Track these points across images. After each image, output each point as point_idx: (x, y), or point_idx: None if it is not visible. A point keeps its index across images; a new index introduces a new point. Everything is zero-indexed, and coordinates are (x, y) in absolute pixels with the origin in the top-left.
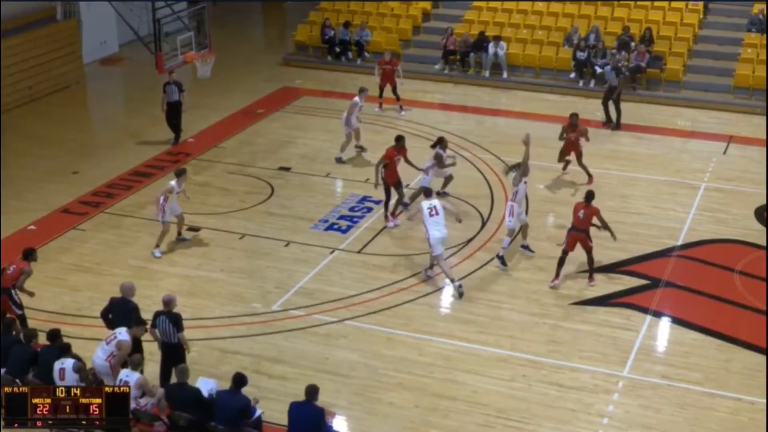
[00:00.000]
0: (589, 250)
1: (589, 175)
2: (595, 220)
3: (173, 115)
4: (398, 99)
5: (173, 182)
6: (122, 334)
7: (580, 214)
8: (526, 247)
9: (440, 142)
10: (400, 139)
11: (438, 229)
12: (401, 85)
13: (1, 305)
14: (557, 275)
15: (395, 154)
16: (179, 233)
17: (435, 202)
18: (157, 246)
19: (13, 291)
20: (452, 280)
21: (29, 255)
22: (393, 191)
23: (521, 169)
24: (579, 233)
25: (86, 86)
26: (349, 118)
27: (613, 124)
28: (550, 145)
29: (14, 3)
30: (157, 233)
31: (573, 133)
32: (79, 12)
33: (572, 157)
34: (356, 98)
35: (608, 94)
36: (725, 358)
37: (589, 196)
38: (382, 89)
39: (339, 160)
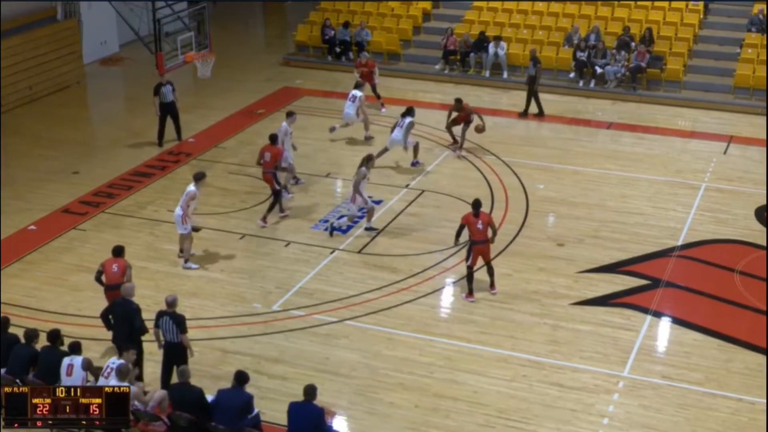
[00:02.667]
0: (489, 261)
1: (455, 141)
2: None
3: (170, 116)
4: (378, 98)
5: (192, 187)
6: (115, 363)
7: (479, 225)
8: (371, 229)
9: (410, 113)
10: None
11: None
12: (379, 85)
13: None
14: (471, 292)
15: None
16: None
17: None
18: (187, 260)
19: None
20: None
21: (121, 251)
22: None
23: (374, 159)
24: (483, 245)
25: (86, 86)
26: (358, 109)
27: (535, 113)
28: (548, 145)
29: (14, 3)
30: (158, 233)
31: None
32: (80, 12)
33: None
34: (355, 92)
35: (529, 84)
36: (726, 358)
37: (477, 204)
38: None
39: (368, 138)
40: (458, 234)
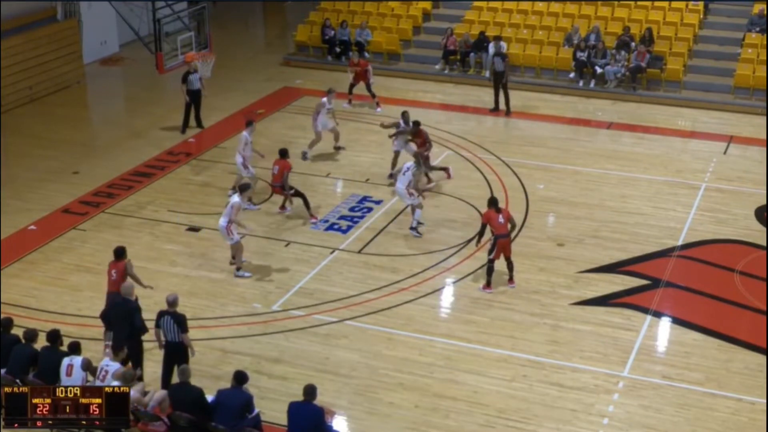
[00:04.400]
0: (509, 256)
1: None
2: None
3: (195, 104)
4: (373, 96)
5: (236, 198)
6: (110, 365)
7: (500, 219)
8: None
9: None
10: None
11: None
12: (374, 84)
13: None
14: (489, 283)
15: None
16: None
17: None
18: (239, 268)
19: None
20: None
21: (122, 253)
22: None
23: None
24: (506, 239)
25: (87, 86)
26: (315, 117)
27: (505, 110)
28: (548, 145)
29: (14, 3)
30: (158, 233)
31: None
32: (80, 12)
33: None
34: (324, 99)
35: (496, 80)
36: (726, 358)
37: (494, 201)
38: (352, 87)
39: (304, 156)
40: (481, 232)
